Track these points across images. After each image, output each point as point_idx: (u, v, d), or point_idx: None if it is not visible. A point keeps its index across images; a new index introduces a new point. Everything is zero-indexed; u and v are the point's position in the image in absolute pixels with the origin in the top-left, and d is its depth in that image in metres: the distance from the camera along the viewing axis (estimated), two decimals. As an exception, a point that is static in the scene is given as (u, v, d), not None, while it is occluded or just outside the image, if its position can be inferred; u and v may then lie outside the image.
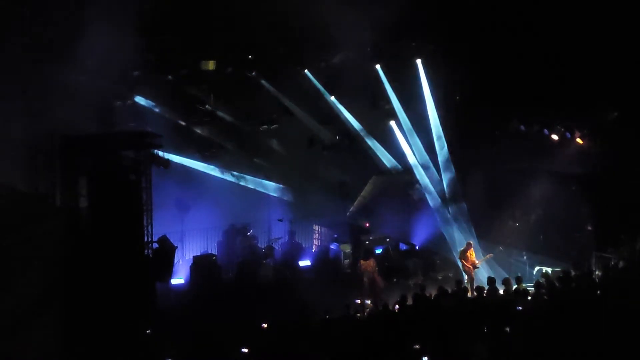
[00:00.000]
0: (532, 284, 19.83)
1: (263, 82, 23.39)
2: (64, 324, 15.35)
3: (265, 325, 16.29)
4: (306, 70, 23.79)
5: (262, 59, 22.85)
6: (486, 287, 18.02)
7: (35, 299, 14.66)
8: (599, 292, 17.18)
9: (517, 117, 23.65)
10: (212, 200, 22.13)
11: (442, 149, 24.47)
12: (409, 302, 16.70)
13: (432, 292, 17.58)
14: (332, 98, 24.23)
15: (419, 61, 24.37)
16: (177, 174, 21.59)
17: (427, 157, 24.52)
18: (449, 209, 23.33)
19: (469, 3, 21.68)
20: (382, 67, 24.37)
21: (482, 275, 20.62)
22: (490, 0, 21.57)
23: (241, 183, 23.60)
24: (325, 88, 24.11)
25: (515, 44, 21.03)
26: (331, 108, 24.39)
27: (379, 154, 24.95)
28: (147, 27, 20.14)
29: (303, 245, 24.53)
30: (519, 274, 19.55)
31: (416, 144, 24.74)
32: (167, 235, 18.90)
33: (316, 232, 25.13)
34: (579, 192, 22.05)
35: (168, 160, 19.40)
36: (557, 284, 18.05)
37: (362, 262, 20.54)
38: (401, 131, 24.89)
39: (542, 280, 19.64)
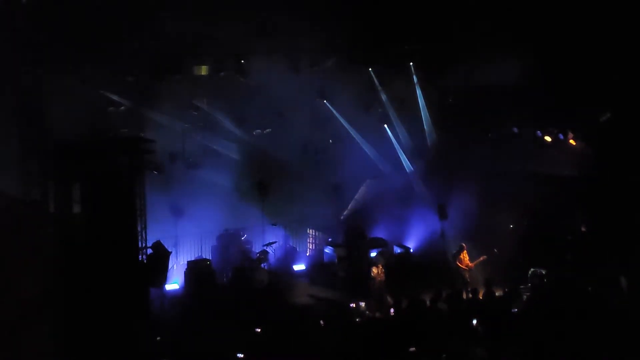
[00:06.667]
0: (526, 286, 19.99)
1: (256, 86, 23.39)
2: (58, 330, 15.33)
3: (259, 330, 16.28)
4: (300, 75, 23.77)
5: (255, 63, 22.82)
6: (482, 289, 18.08)
7: (28, 306, 14.62)
8: (591, 293, 17.22)
9: (511, 119, 23.72)
10: (206, 205, 22.09)
11: (434, 151, 24.58)
12: (404, 305, 16.72)
13: (426, 294, 17.57)
14: (325, 102, 24.25)
15: (411, 64, 24.44)
16: (171, 178, 21.58)
17: (419, 160, 24.64)
18: (442, 210, 23.34)
19: (462, 5, 21.73)
20: (374, 71, 24.42)
21: (477, 277, 20.63)
22: (484, 1, 21.64)
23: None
24: (318, 92, 24.11)
25: (509, 45, 21.07)
26: (324, 112, 24.40)
27: (372, 157, 25.00)
28: (142, 31, 20.20)
29: (297, 249, 24.55)
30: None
31: (409, 147, 24.84)
32: (161, 241, 18.88)
33: (310, 235, 25.15)
34: (572, 194, 22.10)
35: (162, 166, 19.38)
36: (550, 286, 18.14)
37: (373, 269, 20.44)
38: (394, 135, 24.98)
39: (536, 281, 19.74)
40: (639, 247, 18.89)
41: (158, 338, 17.11)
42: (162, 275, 18.82)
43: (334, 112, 24.43)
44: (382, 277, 20.26)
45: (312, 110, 24.25)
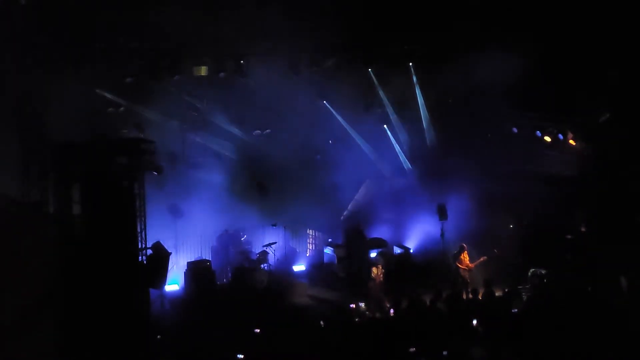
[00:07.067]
0: (526, 286, 19.98)
1: (256, 87, 23.37)
2: (59, 330, 15.33)
3: (259, 331, 16.28)
4: (299, 75, 23.73)
5: (255, 64, 22.80)
6: (482, 289, 18.07)
7: (29, 307, 14.63)
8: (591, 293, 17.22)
9: (511, 119, 23.72)
10: (205, 205, 22.08)
11: (434, 151, 24.56)
12: (404, 305, 16.72)
13: (426, 295, 17.57)
14: (325, 102, 24.25)
15: (411, 64, 24.44)
16: (170, 179, 21.56)
17: (419, 160, 24.64)
18: (442, 211, 23.32)
19: (462, 5, 21.73)
20: (374, 71, 24.40)
21: (477, 277, 20.60)
22: (482, 1, 21.62)
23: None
24: (318, 92, 24.09)
25: (508, 45, 21.05)
26: (324, 112, 24.38)
27: (372, 157, 25.00)
28: (142, 32, 20.20)
29: (297, 250, 24.52)
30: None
31: (409, 148, 24.84)
32: (161, 241, 18.86)
33: (310, 236, 25.13)
34: (572, 194, 22.09)
35: (161, 166, 19.36)
36: (550, 286, 18.11)
37: (374, 269, 20.39)
38: (394, 135, 24.98)
39: (536, 282, 19.74)
40: (639, 247, 18.90)
41: (158, 337, 17.13)
42: (162, 276, 18.79)
43: (334, 112, 24.41)
44: (382, 277, 20.24)
45: (312, 111, 24.21)
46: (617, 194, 20.88)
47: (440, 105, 25.06)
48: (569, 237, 22.03)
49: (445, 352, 14.11)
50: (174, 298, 20.69)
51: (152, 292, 18.72)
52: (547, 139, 23.07)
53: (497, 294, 18.14)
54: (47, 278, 15.20)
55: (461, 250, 21.01)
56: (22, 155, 18.92)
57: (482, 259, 21.17)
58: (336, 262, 23.23)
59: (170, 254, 19.05)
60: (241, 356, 14.74)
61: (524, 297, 18.63)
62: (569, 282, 18.78)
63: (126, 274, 17.27)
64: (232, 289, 21.62)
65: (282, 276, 22.38)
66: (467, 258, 20.90)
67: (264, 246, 22.89)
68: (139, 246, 17.99)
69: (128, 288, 17.19)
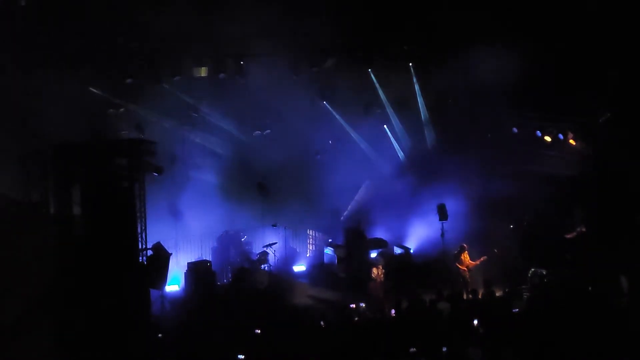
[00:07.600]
0: (526, 286, 19.98)
1: (256, 87, 23.37)
2: (59, 331, 15.35)
3: (259, 331, 16.29)
4: (299, 75, 23.74)
5: (255, 64, 22.81)
6: (482, 289, 18.07)
7: (29, 307, 14.65)
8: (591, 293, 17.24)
9: (511, 119, 23.73)
10: (205, 206, 22.09)
11: (434, 152, 24.58)
12: (404, 305, 16.73)
13: (427, 295, 17.57)
14: (325, 103, 24.25)
15: (410, 65, 24.45)
16: (170, 180, 21.57)
17: (419, 160, 24.65)
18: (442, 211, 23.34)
19: (460, 6, 21.73)
20: (374, 71, 24.41)
21: (477, 278, 20.61)
22: (483, 2, 21.63)
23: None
24: (318, 93, 24.10)
25: (508, 45, 21.07)
26: (324, 113, 24.39)
27: (372, 158, 25.00)
28: (142, 33, 20.21)
29: (297, 250, 24.53)
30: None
31: (409, 148, 24.86)
32: (161, 242, 18.87)
33: (310, 236, 25.14)
34: (572, 194, 22.10)
35: (161, 167, 19.38)
36: (550, 286, 18.11)
37: (374, 269, 20.37)
38: (394, 135, 24.98)
39: (536, 281, 19.75)
40: (639, 247, 18.90)
41: (159, 335, 17.15)
42: (162, 276, 18.82)
43: (334, 112, 24.42)
44: (382, 277, 20.24)
45: (312, 111, 24.21)
46: (617, 194, 20.88)
47: (440, 105, 25.06)
48: (568, 236, 22.04)
49: (445, 352, 14.12)
50: (175, 298, 20.69)
51: (153, 292, 18.76)
52: (547, 139, 23.07)
53: (497, 294, 18.14)
54: (47, 278, 15.21)
55: (461, 250, 20.99)
56: (22, 156, 18.91)
57: (482, 259, 21.15)
58: (336, 262, 23.23)
59: (170, 254, 19.08)
60: (242, 356, 14.75)
61: (525, 297, 18.63)
62: (569, 282, 18.79)
63: (126, 274, 17.29)
64: (233, 290, 21.61)
65: (282, 277, 22.39)
66: (468, 258, 20.90)
67: (264, 247, 22.89)
68: (140, 247, 18.01)
69: (128, 288, 17.21)
